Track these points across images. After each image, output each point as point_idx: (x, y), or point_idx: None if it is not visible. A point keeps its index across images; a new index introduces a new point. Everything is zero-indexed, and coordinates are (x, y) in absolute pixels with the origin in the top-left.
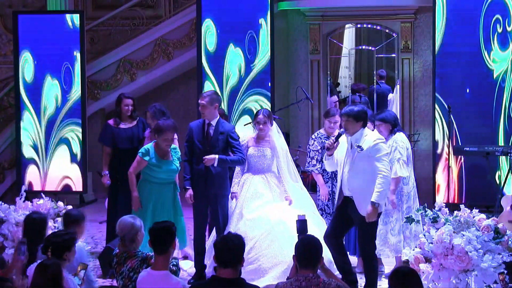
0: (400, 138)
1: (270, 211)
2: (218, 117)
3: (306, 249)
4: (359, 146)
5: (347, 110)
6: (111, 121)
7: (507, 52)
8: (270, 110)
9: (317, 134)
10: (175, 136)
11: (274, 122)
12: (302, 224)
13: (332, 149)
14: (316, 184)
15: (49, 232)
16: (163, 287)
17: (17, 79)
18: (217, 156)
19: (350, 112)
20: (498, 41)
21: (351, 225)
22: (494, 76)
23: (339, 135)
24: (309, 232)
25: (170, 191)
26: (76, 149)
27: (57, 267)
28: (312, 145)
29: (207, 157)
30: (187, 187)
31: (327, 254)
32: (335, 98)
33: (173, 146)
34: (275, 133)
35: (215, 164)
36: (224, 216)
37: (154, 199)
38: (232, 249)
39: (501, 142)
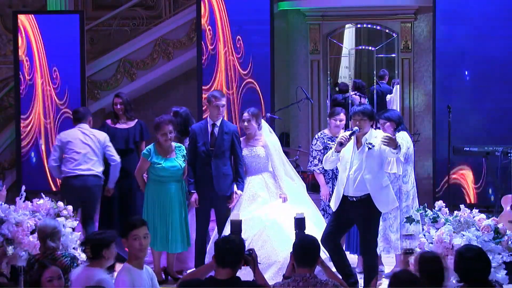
0: (402, 136)
1: (263, 211)
2: (222, 118)
3: (304, 248)
4: (370, 143)
5: (361, 109)
6: (108, 121)
7: None
8: (258, 109)
9: (321, 134)
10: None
11: (263, 121)
12: (299, 222)
13: (344, 145)
14: (316, 183)
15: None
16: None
17: (17, 79)
18: (239, 192)
19: (365, 110)
20: None
21: (349, 227)
22: None
23: (353, 132)
24: (306, 231)
25: (177, 189)
26: None
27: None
28: (315, 144)
29: (233, 203)
30: (192, 191)
31: (324, 249)
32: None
33: (177, 144)
34: (266, 131)
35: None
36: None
37: (161, 197)
38: (233, 249)
39: None
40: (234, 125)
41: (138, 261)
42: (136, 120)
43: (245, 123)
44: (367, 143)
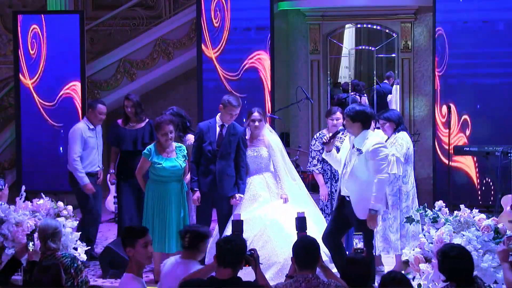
0: (402, 136)
1: (263, 211)
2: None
3: (305, 250)
4: (358, 149)
5: (346, 109)
6: (119, 121)
7: None
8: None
9: (319, 134)
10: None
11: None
12: (301, 222)
13: (329, 145)
14: (316, 184)
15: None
16: None
17: (17, 79)
18: (241, 195)
19: (349, 112)
20: None
21: (349, 226)
22: None
23: (337, 132)
24: (307, 230)
25: (177, 189)
26: None
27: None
28: (313, 145)
29: (236, 204)
30: (195, 188)
31: (325, 250)
32: (359, 98)
33: (177, 144)
34: (267, 131)
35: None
36: (229, 217)
37: (161, 197)
38: (234, 250)
39: None
40: (243, 127)
41: (140, 270)
42: (147, 120)
43: (256, 123)
44: (356, 148)
